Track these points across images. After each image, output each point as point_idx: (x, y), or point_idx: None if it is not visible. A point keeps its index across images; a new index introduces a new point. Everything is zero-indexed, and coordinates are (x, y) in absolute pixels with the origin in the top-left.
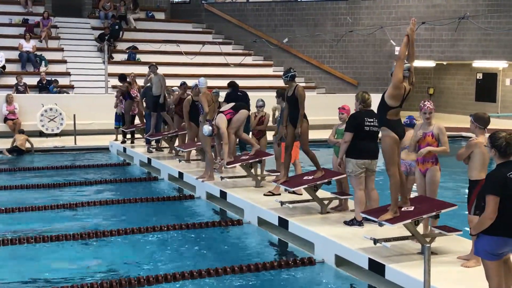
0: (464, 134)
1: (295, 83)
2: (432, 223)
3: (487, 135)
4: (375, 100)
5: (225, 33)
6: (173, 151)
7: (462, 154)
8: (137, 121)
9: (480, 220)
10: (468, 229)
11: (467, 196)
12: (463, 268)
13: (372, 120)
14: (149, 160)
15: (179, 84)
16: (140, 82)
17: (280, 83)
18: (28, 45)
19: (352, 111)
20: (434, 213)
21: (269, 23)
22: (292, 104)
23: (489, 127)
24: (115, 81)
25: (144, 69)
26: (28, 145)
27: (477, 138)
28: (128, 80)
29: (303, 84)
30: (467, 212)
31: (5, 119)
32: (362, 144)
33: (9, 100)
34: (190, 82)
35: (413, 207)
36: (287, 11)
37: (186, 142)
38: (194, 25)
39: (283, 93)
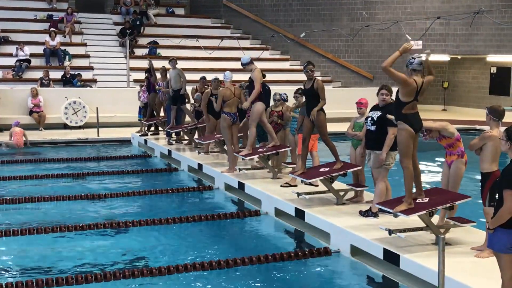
0: (478, 127)
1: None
2: (449, 214)
3: (502, 128)
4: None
5: (243, 28)
6: (193, 143)
7: (475, 145)
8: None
9: (498, 214)
10: (483, 220)
11: (480, 188)
12: (477, 259)
13: None
14: (169, 152)
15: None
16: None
17: (296, 76)
18: (54, 42)
19: (372, 104)
20: (448, 205)
21: (286, 18)
22: (310, 96)
23: (503, 120)
24: (136, 75)
25: (163, 63)
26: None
27: (491, 131)
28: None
29: (320, 78)
30: (481, 202)
31: (31, 112)
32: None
33: (33, 94)
34: (209, 76)
35: (427, 199)
36: (303, 6)
37: (205, 134)
38: (213, 20)
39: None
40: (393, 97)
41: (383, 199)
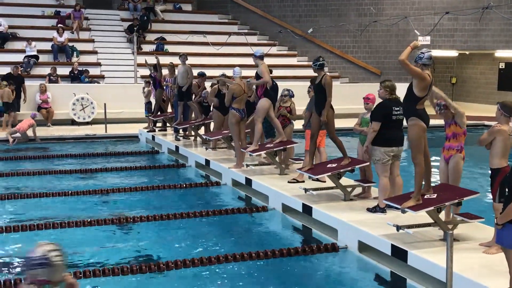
0: (486, 123)
1: (323, 72)
2: (454, 210)
3: None
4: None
5: (250, 24)
6: (198, 139)
7: (484, 140)
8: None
9: (507, 210)
10: (493, 215)
11: (490, 184)
12: (485, 255)
13: (398, 109)
14: (176, 148)
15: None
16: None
17: (304, 72)
18: (61, 39)
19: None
20: (456, 201)
21: (294, 13)
22: (318, 92)
23: None
24: (144, 71)
25: (171, 59)
26: (31, 133)
27: (500, 126)
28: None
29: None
30: (490, 200)
31: (39, 108)
32: (390, 132)
33: (42, 90)
34: (217, 72)
35: (435, 195)
36: (311, 1)
37: (212, 130)
38: (220, 16)
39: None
40: (396, 94)
41: (387, 194)
